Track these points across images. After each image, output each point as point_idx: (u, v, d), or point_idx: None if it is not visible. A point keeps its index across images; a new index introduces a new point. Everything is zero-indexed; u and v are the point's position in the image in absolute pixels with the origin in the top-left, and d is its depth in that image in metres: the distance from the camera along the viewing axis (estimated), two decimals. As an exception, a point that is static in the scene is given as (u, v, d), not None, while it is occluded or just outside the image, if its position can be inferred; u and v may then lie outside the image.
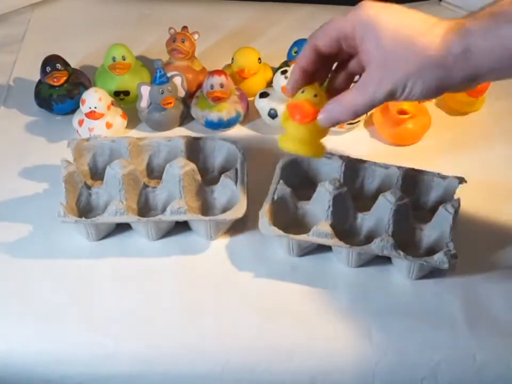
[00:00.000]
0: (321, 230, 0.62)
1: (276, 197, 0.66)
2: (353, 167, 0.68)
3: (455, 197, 0.66)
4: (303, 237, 0.62)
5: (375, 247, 0.61)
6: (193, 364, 0.58)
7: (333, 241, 0.62)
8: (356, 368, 0.58)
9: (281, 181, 0.67)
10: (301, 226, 0.66)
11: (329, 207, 0.64)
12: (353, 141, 0.76)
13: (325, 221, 0.63)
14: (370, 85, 0.51)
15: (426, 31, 0.49)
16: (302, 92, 0.56)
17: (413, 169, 0.68)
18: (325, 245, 0.63)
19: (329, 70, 0.58)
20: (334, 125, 0.55)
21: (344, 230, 0.65)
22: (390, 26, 0.50)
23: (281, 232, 0.62)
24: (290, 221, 0.66)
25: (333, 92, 0.57)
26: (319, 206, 0.65)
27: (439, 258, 0.60)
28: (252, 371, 0.58)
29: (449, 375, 0.58)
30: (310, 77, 0.56)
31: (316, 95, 0.55)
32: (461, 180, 0.66)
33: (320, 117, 0.54)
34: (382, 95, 0.51)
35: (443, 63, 0.49)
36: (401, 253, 0.60)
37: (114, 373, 0.58)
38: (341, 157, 0.68)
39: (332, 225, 0.62)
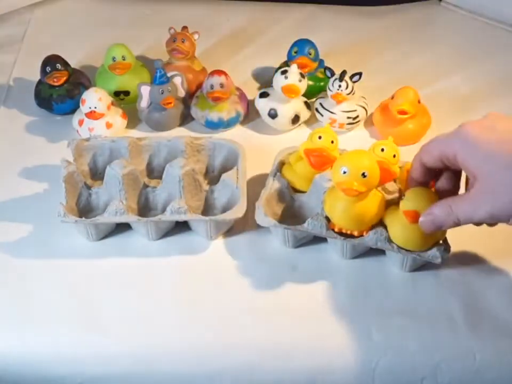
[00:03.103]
0: (315, 221, 0.62)
1: (272, 189, 0.66)
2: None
3: None
4: (298, 227, 0.63)
5: (369, 239, 0.61)
6: (193, 364, 0.58)
7: (327, 233, 0.62)
8: (356, 368, 0.58)
9: (278, 173, 0.67)
10: (297, 218, 0.66)
11: None
12: (353, 141, 0.75)
13: (320, 213, 0.63)
14: (483, 202, 0.52)
15: None
16: None
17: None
18: (320, 237, 0.63)
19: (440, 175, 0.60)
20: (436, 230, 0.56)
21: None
22: (491, 147, 0.51)
23: (276, 223, 0.63)
24: (286, 212, 0.67)
25: (439, 191, 0.59)
26: (315, 198, 0.65)
27: (431, 253, 0.60)
28: (252, 371, 0.58)
29: (449, 375, 0.58)
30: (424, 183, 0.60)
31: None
32: None
33: (422, 219, 0.56)
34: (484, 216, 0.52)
35: None
36: (395, 246, 0.61)
37: (114, 373, 0.58)
38: None
39: (327, 217, 0.62)
